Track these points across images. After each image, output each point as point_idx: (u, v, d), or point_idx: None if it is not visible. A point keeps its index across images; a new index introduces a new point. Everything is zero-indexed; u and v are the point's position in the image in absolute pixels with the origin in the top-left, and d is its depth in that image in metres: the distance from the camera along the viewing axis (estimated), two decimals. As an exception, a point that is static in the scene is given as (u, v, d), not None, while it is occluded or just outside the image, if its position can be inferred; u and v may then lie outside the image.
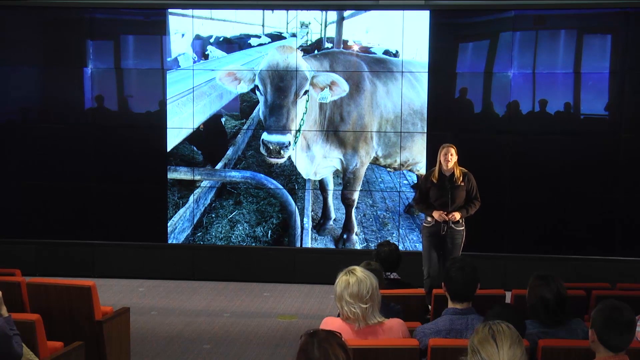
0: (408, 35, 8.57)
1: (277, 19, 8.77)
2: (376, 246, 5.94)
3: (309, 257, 8.70)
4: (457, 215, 6.72)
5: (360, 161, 8.71)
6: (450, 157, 6.77)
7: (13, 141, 9.08)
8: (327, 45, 8.72)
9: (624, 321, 3.07)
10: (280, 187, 8.79)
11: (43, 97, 9.27)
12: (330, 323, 3.63)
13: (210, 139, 8.94)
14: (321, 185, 8.81)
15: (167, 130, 8.85)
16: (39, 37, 9.15)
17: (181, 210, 8.91)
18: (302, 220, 8.78)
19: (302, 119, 8.68)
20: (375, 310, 3.61)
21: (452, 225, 6.75)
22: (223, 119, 8.89)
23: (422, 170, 8.65)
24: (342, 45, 8.71)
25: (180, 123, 8.87)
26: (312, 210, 8.80)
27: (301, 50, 8.69)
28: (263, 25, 8.79)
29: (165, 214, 8.90)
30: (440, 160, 6.83)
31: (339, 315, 3.75)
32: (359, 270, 3.63)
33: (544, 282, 3.89)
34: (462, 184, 6.79)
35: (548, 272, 4.00)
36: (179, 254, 8.89)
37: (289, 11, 8.72)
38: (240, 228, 8.86)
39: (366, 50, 8.69)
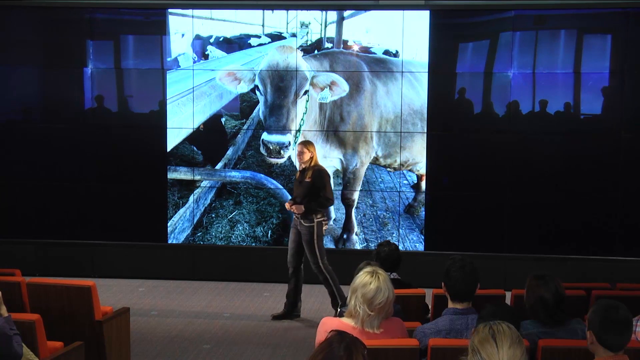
0: (408, 35, 8.57)
1: (277, 19, 8.77)
2: (376, 246, 5.94)
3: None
4: (294, 208, 6.93)
5: (360, 161, 8.71)
6: (301, 156, 7.01)
7: (13, 141, 9.08)
8: (327, 45, 8.72)
9: (621, 319, 3.07)
10: (281, 187, 8.79)
11: (43, 97, 9.27)
12: (329, 323, 3.62)
13: (210, 139, 8.94)
14: (321, 185, 8.80)
15: (167, 130, 8.86)
16: (39, 37, 9.16)
17: (181, 210, 8.91)
18: (302, 220, 8.77)
19: (302, 119, 8.68)
20: (377, 322, 3.57)
21: (301, 220, 7.00)
22: (223, 119, 8.90)
23: (422, 170, 8.66)
24: (342, 45, 8.71)
25: (180, 123, 8.87)
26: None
27: (301, 50, 8.69)
28: (263, 25, 8.79)
29: (165, 214, 8.90)
30: None
31: (339, 316, 3.75)
32: (382, 277, 3.58)
33: (542, 282, 3.88)
34: (309, 180, 6.95)
35: (545, 272, 3.99)
36: (179, 254, 8.89)
37: (289, 11, 8.72)
38: (240, 228, 8.86)
39: (366, 50, 8.70)
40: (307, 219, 6.98)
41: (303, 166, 7.05)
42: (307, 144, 7.09)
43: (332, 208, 8.78)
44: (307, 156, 6.98)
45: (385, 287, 3.54)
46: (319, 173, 6.98)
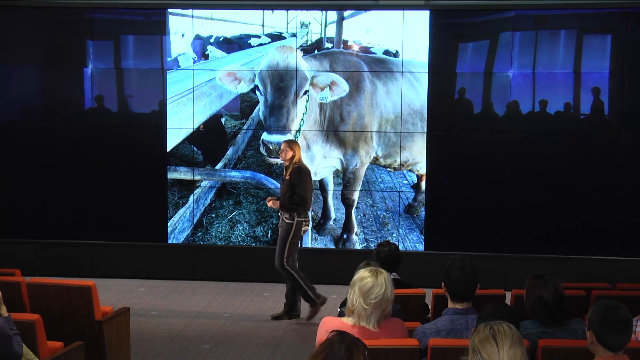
0: (408, 35, 8.57)
1: (277, 19, 8.77)
2: (376, 246, 5.94)
3: (309, 257, 8.68)
4: (271, 203, 7.13)
5: (360, 161, 8.71)
6: (283, 154, 7.09)
7: (13, 141, 9.08)
8: (327, 45, 8.72)
9: (621, 319, 3.07)
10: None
11: (43, 97, 9.27)
12: (330, 323, 3.63)
13: (210, 139, 8.94)
14: (321, 185, 8.81)
15: (167, 130, 8.86)
16: (39, 37, 9.16)
17: (181, 210, 8.91)
18: (302, 220, 8.77)
19: (302, 119, 8.68)
20: (374, 319, 3.58)
21: (284, 217, 7.11)
22: (223, 119, 8.90)
23: (422, 170, 8.66)
24: (342, 45, 8.71)
25: (180, 123, 8.87)
26: (312, 210, 8.80)
27: (301, 50, 8.69)
28: (263, 25, 8.79)
29: (165, 214, 8.90)
30: None
31: (339, 315, 3.75)
32: (383, 277, 3.59)
33: (541, 282, 3.88)
34: (288, 177, 7.03)
35: (544, 272, 3.99)
36: (179, 254, 8.89)
37: (289, 11, 8.72)
38: (240, 228, 8.86)
39: (366, 50, 8.70)
40: (290, 217, 7.05)
41: (286, 164, 7.13)
42: (290, 142, 7.17)
43: (332, 208, 8.78)
44: (288, 154, 7.05)
45: (383, 283, 3.56)
46: (298, 171, 7.04)
